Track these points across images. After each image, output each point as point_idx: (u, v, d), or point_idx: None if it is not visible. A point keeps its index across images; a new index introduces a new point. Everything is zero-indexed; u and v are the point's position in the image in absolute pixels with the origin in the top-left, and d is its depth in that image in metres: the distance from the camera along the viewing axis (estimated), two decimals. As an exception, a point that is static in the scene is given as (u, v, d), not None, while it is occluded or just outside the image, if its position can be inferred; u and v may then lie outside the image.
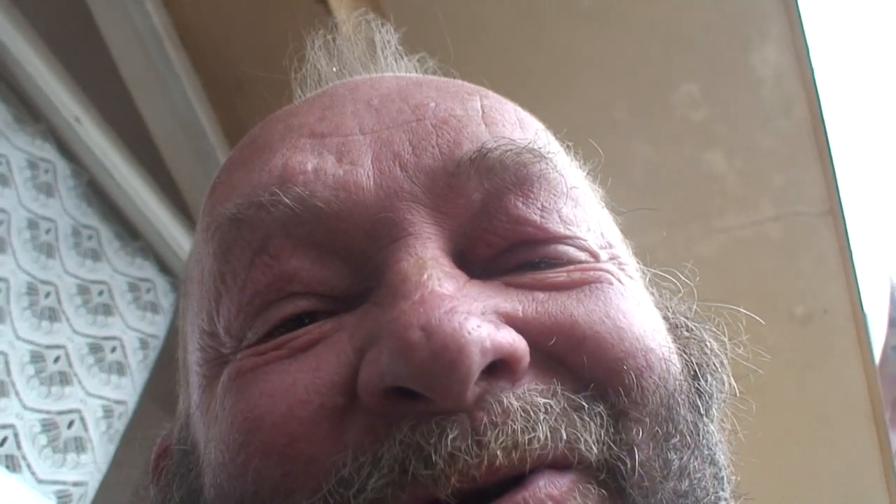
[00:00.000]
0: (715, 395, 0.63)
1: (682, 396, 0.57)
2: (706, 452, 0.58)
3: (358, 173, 0.59)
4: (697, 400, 0.60)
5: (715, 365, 0.65)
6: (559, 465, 0.51)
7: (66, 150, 2.06)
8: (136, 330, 2.09)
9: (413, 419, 0.50)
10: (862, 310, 2.55)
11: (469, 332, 0.49)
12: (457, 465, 0.48)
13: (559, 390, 0.52)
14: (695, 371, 0.62)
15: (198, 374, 0.63)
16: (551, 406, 0.51)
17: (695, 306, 0.69)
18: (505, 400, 0.50)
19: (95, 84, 2.07)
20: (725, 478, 0.61)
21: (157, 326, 2.12)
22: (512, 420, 0.49)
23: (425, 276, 0.53)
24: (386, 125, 0.63)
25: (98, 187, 2.10)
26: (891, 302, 2.96)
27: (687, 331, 0.65)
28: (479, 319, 0.51)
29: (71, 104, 2.03)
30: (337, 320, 0.57)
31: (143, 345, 2.09)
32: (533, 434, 0.49)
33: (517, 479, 0.49)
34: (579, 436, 0.51)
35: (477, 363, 0.49)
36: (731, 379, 0.66)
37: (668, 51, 2.32)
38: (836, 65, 2.46)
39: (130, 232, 2.15)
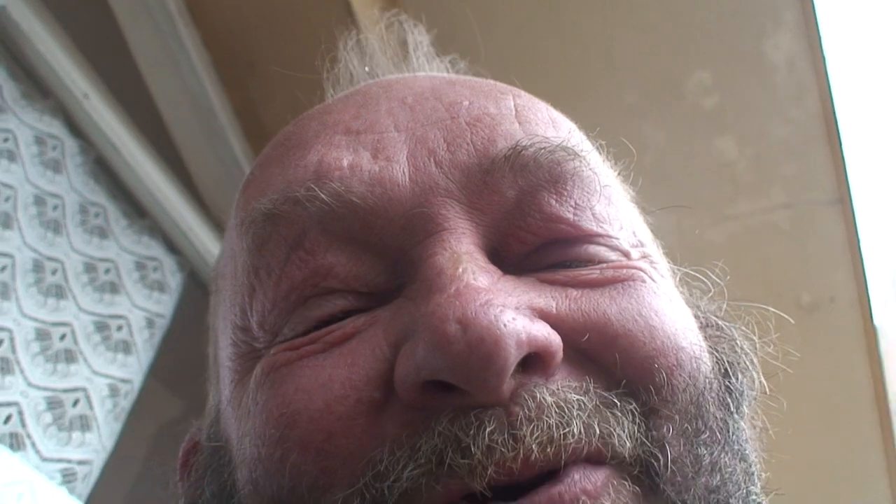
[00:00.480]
0: (745, 393, 0.64)
1: (712, 394, 0.58)
2: (736, 448, 0.58)
3: (393, 169, 0.60)
4: (728, 397, 0.60)
5: (745, 363, 0.65)
6: (593, 459, 0.51)
7: (75, 126, 2.04)
8: (143, 309, 2.07)
9: (451, 412, 0.50)
10: (868, 299, 2.55)
11: (505, 325, 0.49)
12: (494, 457, 0.48)
13: (592, 388, 0.53)
14: (725, 369, 0.62)
15: (229, 368, 0.63)
16: (584, 403, 0.51)
17: (724, 305, 0.69)
18: (539, 395, 0.51)
19: (105, 60, 2.05)
20: (756, 473, 0.61)
21: (163, 305, 2.11)
22: (547, 415, 0.50)
23: (460, 270, 0.54)
24: (420, 123, 0.63)
25: (106, 164, 2.08)
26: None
27: (717, 329, 0.65)
28: (515, 313, 0.51)
29: (80, 80, 2.01)
30: (370, 315, 0.57)
31: (150, 324, 2.07)
32: (567, 429, 0.50)
33: (552, 472, 0.50)
34: (612, 431, 0.51)
35: (513, 356, 0.49)
36: (762, 377, 0.66)
37: (682, 37, 2.31)
38: (849, 53, 2.45)
39: (138, 210, 2.13)
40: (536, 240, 0.60)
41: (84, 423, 1.92)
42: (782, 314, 0.70)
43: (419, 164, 0.60)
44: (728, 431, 0.58)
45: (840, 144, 2.39)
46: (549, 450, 0.49)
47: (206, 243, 2.15)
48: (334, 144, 0.62)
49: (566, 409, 0.50)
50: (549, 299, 0.56)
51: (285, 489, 0.53)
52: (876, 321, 2.58)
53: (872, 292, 2.55)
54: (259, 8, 2.02)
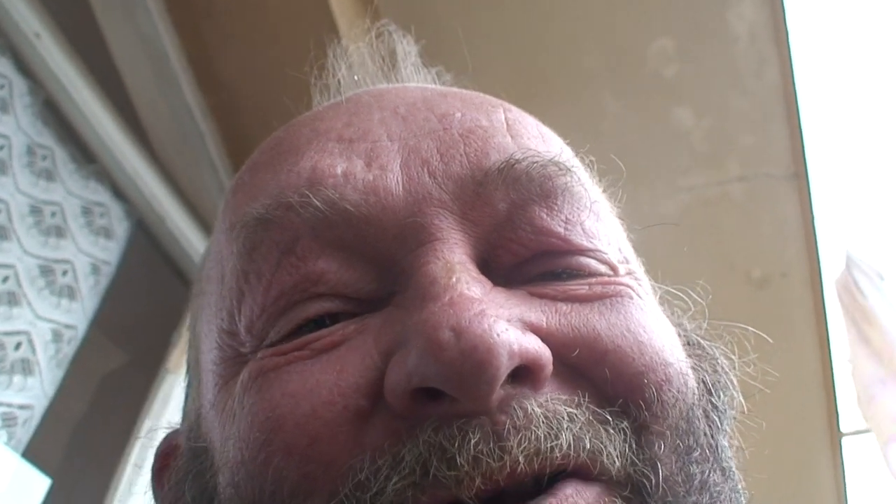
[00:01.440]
0: (727, 412, 0.64)
1: (700, 410, 0.59)
2: (724, 465, 0.59)
3: (387, 178, 0.60)
4: (713, 414, 0.61)
5: (726, 382, 0.65)
6: (581, 474, 0.51)
7: (24, 66, 2.00)
8: (88, 254, 2.05)
9: (435, 421, 0.50)
10: (820, 275, 2.56)
11: (498, 335, 0.50)
12: (480, 468, 0.49)
13: (584, 401, 0.53)
14: (709, 387, 0.63)
15: (214, 372, 0.63)
16: (576, 416, 0.52)
17: (704, 325, 0.69)
18: (528, 406, 0.51)
19: (58, 0, 2.02)
20: (741, 492, 0.61)
21: (109, 252, 2.08)
22: (535, 426, 0.50)
23: (454, 280, 0.54)
24: (413, 133, 0.64)
25: (55, 107, 2.05)
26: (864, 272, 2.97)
27: (699, 348, 0.66)
28: (507, 324, 0.51)
29: (31, 19, 1.97)
30: (360, 322, 0.57)
31: (95, 270, 2.05)
32: (556, 441, 0.50)
33: (538, 480, 0.50)
34: (603, 447, 0.52)
35: (505, 365, 0.49)
36: (740, 396, 0.67)
37: (646, 3, 2.30)
38: (812, 27, 2.44)
39: (86, 154, 2.10)
40: (526, 252, 0.60)
41: (26, 368, 1.90)
42: (731, 288, 0.71)
43: (413, 173, 0.60)
44: (717, 449, 0.59)
45: (798, 119, 2.39)
46: (535, 462, 0.49)
47: (155, 191, 2.12)
48: (328, 151, 0.63)
49: (555, 421, 0.51)
50: (539, 314, 0.56)
51: (266, 493, 0.53)
52: (827, 298, 2.60)
53: (825, 269, 2.56)
54: (216, -46, 2.00)
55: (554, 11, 2.25)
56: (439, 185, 0.60)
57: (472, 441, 0.49)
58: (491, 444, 0.49)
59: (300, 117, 0.71)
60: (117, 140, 2.08)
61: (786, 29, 2.31)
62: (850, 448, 3.01)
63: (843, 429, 2.91)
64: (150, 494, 0.72)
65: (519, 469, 0.49)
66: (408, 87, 0.74)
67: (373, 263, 0.59)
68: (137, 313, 2.24)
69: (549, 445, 0.50)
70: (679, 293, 0.70)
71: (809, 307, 2.57)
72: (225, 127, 2.11)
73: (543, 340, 0.53)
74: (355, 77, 0.77)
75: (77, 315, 1.99)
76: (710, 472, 0.57)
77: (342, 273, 0.59)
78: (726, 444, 0.62)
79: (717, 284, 0.71)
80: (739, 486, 0.61)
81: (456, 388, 0.49)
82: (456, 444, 0.49)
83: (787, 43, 2.32)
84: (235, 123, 2.10)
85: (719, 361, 0.66)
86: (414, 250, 0.58)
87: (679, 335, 0.65)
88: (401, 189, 0.60)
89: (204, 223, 2.21)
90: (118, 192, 2.12)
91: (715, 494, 0.57)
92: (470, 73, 0.76)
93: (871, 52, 2.71)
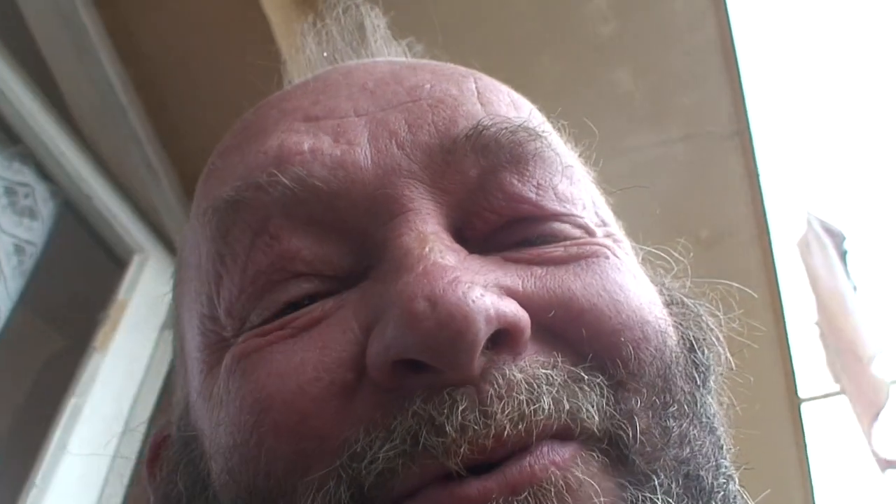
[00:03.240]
0: (712, 368, 0.65)
1: (679, 368, 0.59)
2: (704, 421, 0.60)
3: (355, 152, 0.60)
4: (694, 371, 0.61)
5: (711, 339, 0.66)
6: (562, 436, 0.52)
7: (-62, 45, 1.95)
8: (12, 235, 2.00)
9: (423, 392, 0.51)
10: (768, 233, 2.54)
11: (473, 301, 0.50)
12: (467, 435, 0.49)
13: (560, 362, 0.54)
14: (691, 344, 0.63)
15: (198, 360, 0.63)
16: (552, 377, 0.52)
17: (688, 283, 0.70)
18: (508, 372, 0.51)
19: (-30, -25, 1.97)
20: (725, 447, 0.62)
21: (34, 233, 2.03)
22: (517, 392, 0.51)
23: (427, 249, 0.54)
24: (381, 107, 0.64)
25: (-25, 88, 2.00)
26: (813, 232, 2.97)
27: (682, 307, 0.66)
28: (483, 290, 0.52)
29: (-59, -6, 1.92)
30: (338, 298, 0.58)
31: (19, 251, 2.00)
32: (537, 405, 0.51)
33: (522, 450, 0.51)
34: (581, 405, 0.52)
35: (482, 331, 0.50)
36: (728, 353, 0.68)
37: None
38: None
39: (9, 135, 2.05)
40: (500, 219, 0.61)
41: (-52, 350, 1.87)
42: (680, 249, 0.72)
43: (381, 146, 0.61)
44: (696, 405, 0.59)
45: (738, 75, 2.37)
46: (520, 426, 0.50)
47: (80, 170, 2.07)
48: (294, 130, 0.63)
49: (535, 386, 0.51)
50: (514, 278, 0.56)
51: (261, 475, 0.54)
52: (777, 257, 2.58)
53: (772, 226, 2.54)
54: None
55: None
56: (408, 155, 0.60)
57: (460, 408, 0.50)
58: (476, 413, 0.50)
59: (268, 98, 0.71)
60: (40, 120, 2.04)
61: (721, -17, 2.29)
62: (811, 413, 3.00)
63: (801, 395, 2.90)
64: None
65: (505, 434, 0.49)
66: (377, 62, 0.74)
67: (347, 238, 0.59)
68: (65, 293, 2.20)
69: (531, 409, 0.50)
70: (661, 253, 0.70)
71: (759, 263, 2.56)
72: (148, 100, 2.07)
73: (520, 304, 0.54)
74: (324, 54, 0.77)
75: (1, 296, 1.94)
76: (689, 426, 0.57)
77: (316, 249, 0.59)
78: (710, 400, 0.63)
79: (667, 247, 0.71)
80: (723, 442, 0.62)
81: (435, 358, 0.50)
82: (444, 413, 0.50)
83: (724, -2, 2.30)
84: (158, 96, 2.06)
85: (703, 318, 0.67)
86: (386, 223, 0.58)
87: (662, 294, 0.65)
88: (369, 162, 0.60)
89: (132, 199, 2.18)
90: (43, 173, 2.08)
91: (696, 448, 0.57)
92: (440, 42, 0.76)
93: (807, 5, 2.70)
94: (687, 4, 2.29)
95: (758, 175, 2.43)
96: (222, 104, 0.70)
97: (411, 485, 0.51)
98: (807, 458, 2.98)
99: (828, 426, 3.11)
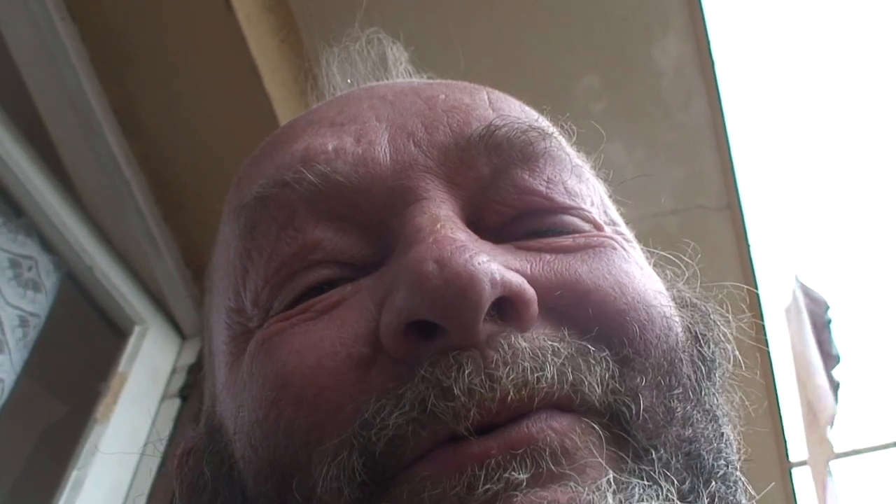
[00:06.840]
0: (717, 363, 0.66)
1: (685, 354, 0.61)
2: (707, 408, 0.62)
3: (375, 150, 0.64)
4: (700, 362, 0.64)
5: (718, 336, 0.68)
6: (563, 406, 0.54)
7: (-55, 121, 1.99)
8: (17, 307, 2.02)
9: (432, 357, 0.53)
10: (760, 307, 2.56)
11: (479, 263, 0.53)
12: (475, 399, 0.51)
13: (567, 336, 0.56)
14: (697, 336, 0.65)
15: (224, 352, 0.67)
16: (559, 349, 0.55)
17: (698, 286, 0.72)
18: (514, 340, 0.54)
19: (-21, 54, 2.02)
20: (729, 440, 0.64)
21: (38, 305, 2.05)
22: (521, 359, 0.53)
23: (438, 226, 0.58)
24: (400, 113, 0.68)
25: (-20, 163, 2.03)
26: (795, 299, 2.99)
27: (692, 307, 0.68)
28: (489, 256, 0.55)
29: (-48, 73, 1.96)
30: (357, 284, 0.61)
31: (23, 322, 2.02)
32: (541, 373, 0.53)
33: (524, 415, 0.53)
34: (584, 378, 0.54)
35: (487, 292, 0.52)
36: (736, 352, 0.69)
37: (570, 40, 2.32)
38: (737, 58, 2.48)
39: (14, 208, 2.08)
40: (511, 211, 0.64)
41: (-47, 418, 1.88)
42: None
43: (399, 145, 0.65)
44: (700, 392, 0.61)
45: (729, 149, 2.41)
46: (523, 392, 0.52)
47: (83, 243, 2.10)
48: (320, 134, 0.67)
49: (540, 355, 0.54)
50: (523, 262, 0.59)
51: (281, 448, 0.56)
52: (768, 329, 2.60)
53: (763, 298, 2.57)
54: (137, 2, 2.00)
55: (478, 53, 2.26)
56: (424, 152, 0.64)
57: (466, 372, 0.52)
58: (482, 376, 0.52)
59: (296, 116, 0.75)
60: (45, 193, 2.06)
61: (711, 60, 2.34)
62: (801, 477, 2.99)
63: (792, 459, 2.91)
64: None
65: (510, 398, 0.52)
66: (397, 81, 0.79)
67: (366, 230, 0.63)
68: (67, 364, 2.22)
69: (535, 377, 0.53)
70: (672, 257, 0.73)
71: (751, 337, 2.57)
72: (150, 174, 2.11)
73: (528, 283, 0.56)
74: (348, 80, 0.82)
75: (5, 368, 1.96)
76: (692, 410, 0.60)
77: (338, 240, 0.63)
78: (714, 392, 0.64)
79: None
80: (726, 434, 0.64)
81: (441, 314, 0.52)
82: (451, 376, 0.52)
83: (714, 74, 2.35)
84: (161, 170, 2.10)
85: (711, 316, 0.69)
86: (402, 211, 0.61)
87: (671, 294, 0.67)
88: (388, 159, 0.64)
89: (132, 270, 2.20)
90: (46, 245, 2.10)
91: (699, 431, 0.59)
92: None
93: (795, 78, 2.75)
94: (678, 81, 2.34)
95: (749, 248, 2.47)
96: (223, 178, 0.75)
97: (421, 449, 0.53)
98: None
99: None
